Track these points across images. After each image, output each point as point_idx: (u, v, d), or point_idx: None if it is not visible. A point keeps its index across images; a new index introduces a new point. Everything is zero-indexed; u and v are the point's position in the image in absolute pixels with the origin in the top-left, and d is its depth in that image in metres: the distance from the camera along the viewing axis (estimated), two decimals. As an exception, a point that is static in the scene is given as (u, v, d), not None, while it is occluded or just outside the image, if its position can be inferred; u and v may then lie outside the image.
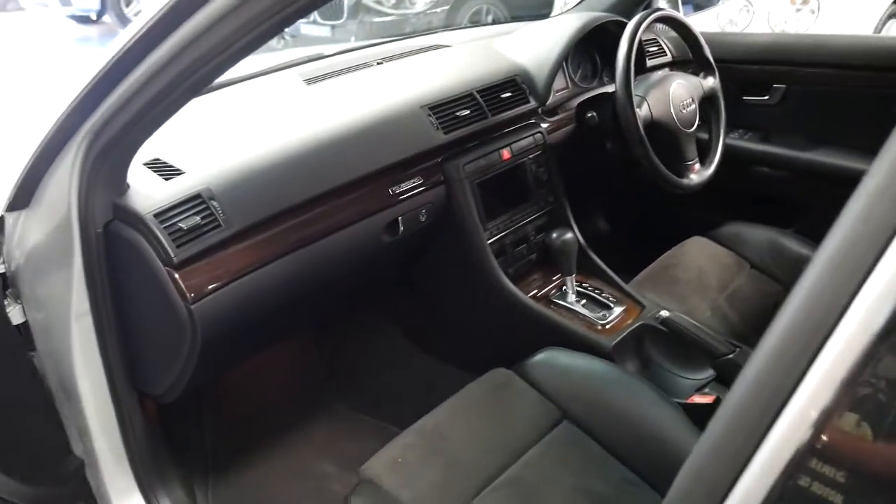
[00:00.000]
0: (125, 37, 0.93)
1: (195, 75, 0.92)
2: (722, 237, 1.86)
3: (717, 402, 1.32)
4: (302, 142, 1.29)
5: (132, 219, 1.09)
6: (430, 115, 1.47)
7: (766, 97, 1.98)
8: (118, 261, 1.12)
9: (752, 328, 1.65)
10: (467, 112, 1.52)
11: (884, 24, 3.94)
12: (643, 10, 2.03)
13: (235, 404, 1.71)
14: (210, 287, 1.13)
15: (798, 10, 3.91)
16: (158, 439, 1.38)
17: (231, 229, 1.14)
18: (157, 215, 1.08)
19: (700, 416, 1.31)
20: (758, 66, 1.97)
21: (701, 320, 1.61)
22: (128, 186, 1.12)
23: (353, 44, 1.91)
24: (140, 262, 1.10)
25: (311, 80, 1.56)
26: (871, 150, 1.72)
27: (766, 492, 0.50)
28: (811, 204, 1.99)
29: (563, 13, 2.12)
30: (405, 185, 1.41)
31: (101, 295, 1.13)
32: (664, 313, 1.46)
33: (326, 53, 1.81)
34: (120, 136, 1.01)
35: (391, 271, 1.62)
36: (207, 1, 0.85)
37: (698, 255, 1.82)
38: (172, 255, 1.08)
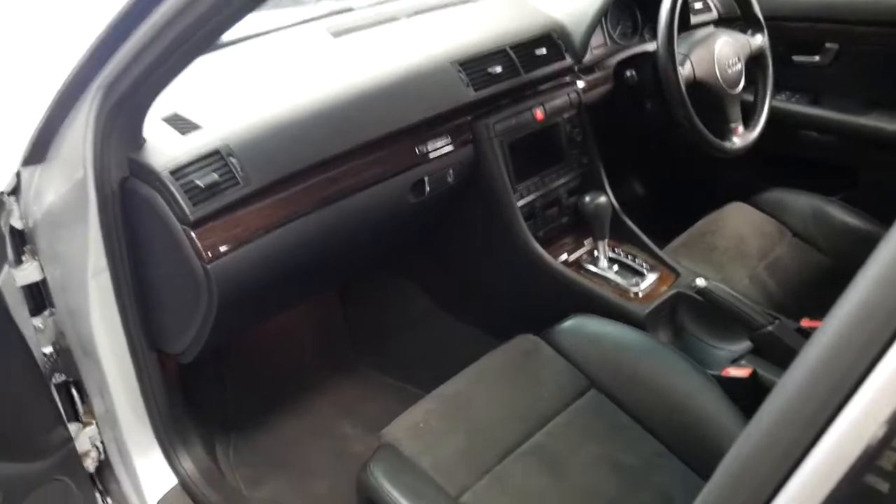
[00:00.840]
0: None
1: (212, 21, 0.87)
2: (763, 203, 1.78)
3: (754, 375, 1.26)
4: (326, 97, 1.24)
5: (148, 175, 1.06)
6: (460, 72, 1.41)
7: (817, 57, 1.88)
8: (135, 218, 1.10)
9: (792, 299, 1.58)
10: (499, 69, 1.46)
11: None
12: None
13: (257, 362, 1.69)
14: (227, 247, 1.10)
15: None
16: (178, 397, 1.37)
17: (250, 187, 1.11)
18: (173, 172, 1.05)
19: (735, 390, 1.26)
20: (809, 23, 1.86)
21: (739, 290, 1.55)
22: (144, 141, 1.08)
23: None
24: (156, 220, 1.07)
25: (337, 34, 1.50)
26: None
27: (827, 492, 0.44)
28: (859, 171, 1.89)
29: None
30: (433, 144, 1.36)
31: (119, 252, 1.11)
32: (700, 282, 1.40)
33: (354, 7, 1.75)
34: (134, 87, 0.97)
35: (416, 232, 1.58)
36: None
37: (738, 221, 1.75)
38: (188, 212, 1.05)
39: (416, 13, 1.65)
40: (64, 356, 1.25)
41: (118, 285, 1.14)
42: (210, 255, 1.07)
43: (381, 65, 1.35)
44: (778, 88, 1.87)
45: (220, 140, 1.10)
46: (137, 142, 1.07)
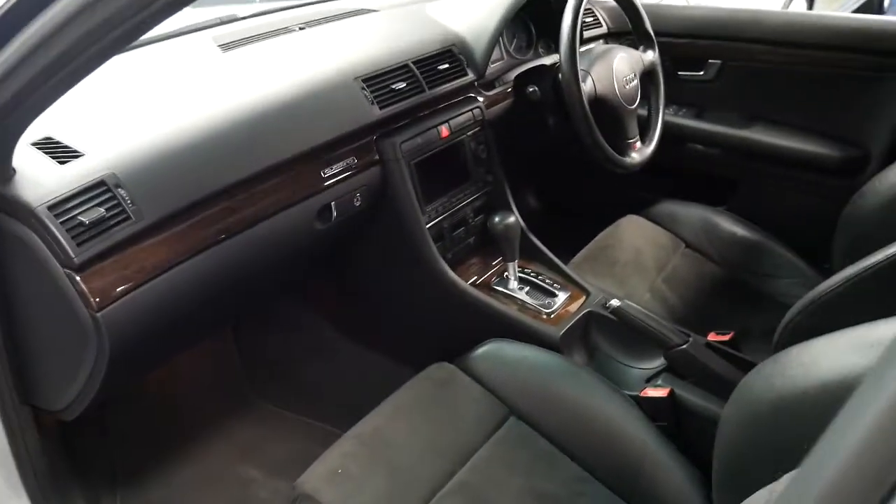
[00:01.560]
0: None
1: (112, 33, 0.74)
2: (656, 216, 1.83)
3: (672, 395, 1.27)
4: (222, 118, 1.13)
5: (21, 212, 0.91)
6: (363, 88, 1.33)
7: (701, 72, 1.94)
8: (6, 261, 0.95)
9: (691, 310, 1.63)
10: (403, 85, 1.39)
11: (790, -1, 4.02)
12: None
13: (144, 409, 1.53)
14: (119, 290, 0.97)
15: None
16: (58, 456, 1.21)
17: (142, 222, 0.98)
18: (51, 207, 0.91)
19: (654, 410, 1.27)
20: (693, 39, 1.92)
21: (641, 303, 1.57)
22: (14, 172, 0.93)
23: (269, 4, 1.72)
24: (33, 263, 0.92)
25: (227, 46, 1.38)
26: (803, 127, 1.70)
27: None
28: (742, 181, 1.98)
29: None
30: (338, 167, 1.27)
31: None
32: (614, 302, 1.40)
33: (240, 15, 1.63)
34: (7, 110, 0.83)
35: (322, 260, 1.48)
36: None
37: (634, 234, 1.78)
38: (72, 255, 0.91)
39: (309, 24, 1.55)
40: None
41: None
42: (99, 301, 0.94)
43: (280, 81, 1.25)
44: (665, 102, 1.92)
45: (106, 169, 0.97)
46: (6, 173, 0.92)
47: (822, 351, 0.86)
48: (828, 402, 0.79)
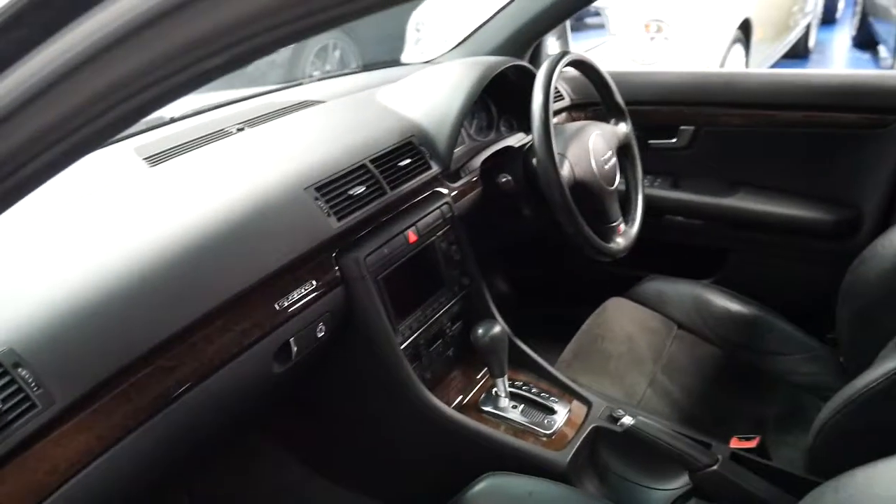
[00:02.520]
0: None
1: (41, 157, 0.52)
2: (642, 296, 1.69)
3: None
4: (150, 257, 0.92)
5: None
6: (317, 199, 1.14)
7: (674, 140, 1.83)
8: None
9: (700, 404, 1.48)
10: (362, 189, 1.21)
11: (729, 49, 4.06)
12: (534, 49, 1.84)
13: None
14: (32, 500, 0.74)
15: (652, 38, 3.96)
16: None
17: (54, 406, 0.76)
18: None
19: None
20: (664, 106, 1.81)
21: (644, 403, 1.41)
22: None
23: (202, 104, 1.53)
24: None
25: (153, 160, 1.19)
26: (789, 191, 1.60)
27: None
28: (730, 252, 1.85)
29: (445, 55, 1.86)
30: (295, 295, 1.07)
31: None
32: (627, 420, 1.22)
33: (167, 118, 1.44)
34: None
35: (286, 401, 1.27)
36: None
37: (623, 320, 1.64)
38: None
39: (249, 123, 1.37)
40: None
41: None
42: None
43: (218, 202, 1.05)
44: (641, 175, 1.80)
45: (0, 344, 0.76)
46: None
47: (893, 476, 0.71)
48: None
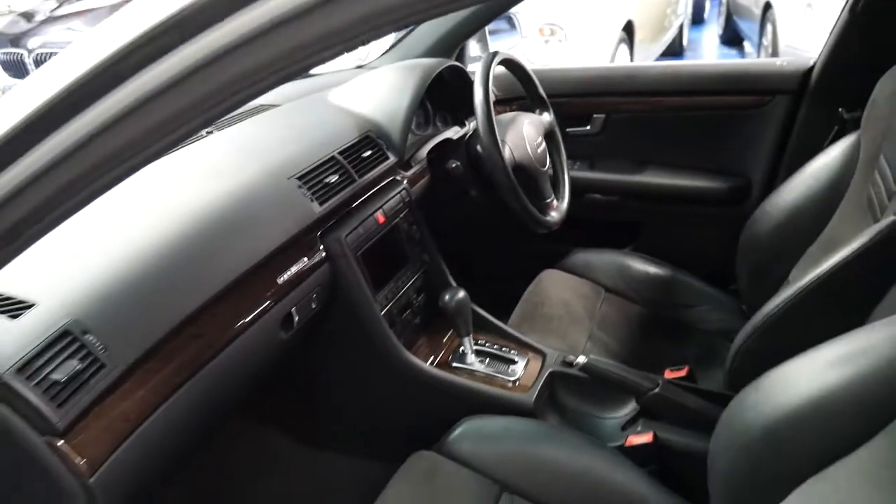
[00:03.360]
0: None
1: (133, 158, 0.63)
2: (572, 266, 1.89)
3: (656, 438, 1.30)
4: (169, 241, 1.05)
5: None
6: (300, 187, 1.29)
7: (588, 127, 2.06)
8: None
9: (631, 351, 1.69)
10: (335, 178, 1.37)
11: (616, 49, 4.40)
12: (458, 52, 2.03)
13: None
14: (107, 449, 0.86)
15: (547, 41, 4.22)
16: None
17: (119, 367, 0.89)
18: (20, 370, 0.80)
19: (640, 456, 1.28)
20: (577, 98, 2.04)
21: (585, 352, 1.61)
22: (-39, 339, 0.82)
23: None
24: (1, 438, 0.80)
25: None
26: (689, 166, 1.86)
27: None
28: (643, 222, 2.10)
29: (377, 60, 2.03)
30: (293, 270, 1.21)
31: None
32: (581, 359, 1.42)
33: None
34: None
35: (287, 368, 1.40)
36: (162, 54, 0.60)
37: (557, 287, 1.83)
38: (54, 419, 0.80)
39: (214, 127, 1.49)
40: None
41: None
42: (88, 466, 0.83)
43: (213, 192, 1.18)
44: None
45: (67, 316, 0.87)
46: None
47: (801, 370, 0.91)
48: (818, 417, 0.85)
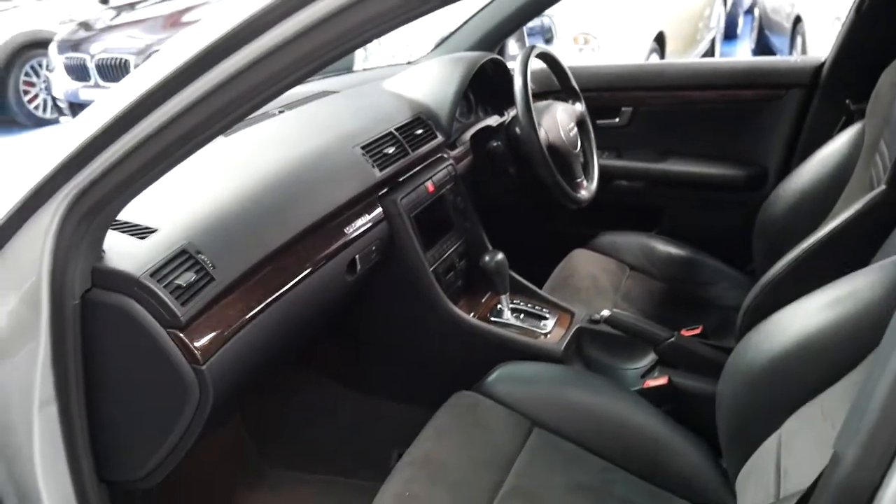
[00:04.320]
0: (130, 89, 0.87)
1: (213, 127, 0.87)
2: (600, 247, 2.06)
3: (670, 382, 1.47)
4: (262, 188, 1.26)
5: (122, 283, 1.00)
6: (363, 154, 1.49)
7: (617, 119, 2.24)
8: (99, 333, 1.02)
9: (650, 318, 1.85)
10: (392, 150, 1.57)
11: (647, 58, 4.57)
12: (499, 49, 2.23)
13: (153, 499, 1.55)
14: (216, 344, 1.06)
15: (580, 49, 4.40)
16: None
17: (224, 281, 1.09)
18: (153, 274, 1.00)
19: (656, 398, 1.45)
20: (608, 92, 2.22)
21: None
22: (103, 252, 1.02)
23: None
24: (131, 330, 1.00)
25: (226, 132, 1.51)
26: (710, 156, 2.03)
27: None
28: (666, 207, 2.27)
29: (426, 56, 2.23)
30: (357, 223, 1.42)
31: (73, 376, 1.01)
32: (605, 312, 1.60)
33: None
34: (111, 196, 0.93)
35: (347, 310, 1.60)
36: (235, 48, 0.83)
37: (586, 264, 2.00)
38: (179, 314, 1.01)
39: (287, 107, 1.70)
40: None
41: (68, 416, 1.03)
42: (203, 355, 1.03)
43: (293, 153, 1.39)
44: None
45: (184, 239, 1.08)
46: (99, 252, 1.01)
47: (796, 314, 1.06)
48: (809, 352, 1.00)
